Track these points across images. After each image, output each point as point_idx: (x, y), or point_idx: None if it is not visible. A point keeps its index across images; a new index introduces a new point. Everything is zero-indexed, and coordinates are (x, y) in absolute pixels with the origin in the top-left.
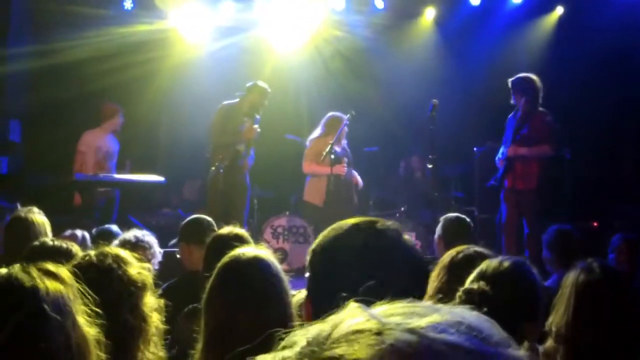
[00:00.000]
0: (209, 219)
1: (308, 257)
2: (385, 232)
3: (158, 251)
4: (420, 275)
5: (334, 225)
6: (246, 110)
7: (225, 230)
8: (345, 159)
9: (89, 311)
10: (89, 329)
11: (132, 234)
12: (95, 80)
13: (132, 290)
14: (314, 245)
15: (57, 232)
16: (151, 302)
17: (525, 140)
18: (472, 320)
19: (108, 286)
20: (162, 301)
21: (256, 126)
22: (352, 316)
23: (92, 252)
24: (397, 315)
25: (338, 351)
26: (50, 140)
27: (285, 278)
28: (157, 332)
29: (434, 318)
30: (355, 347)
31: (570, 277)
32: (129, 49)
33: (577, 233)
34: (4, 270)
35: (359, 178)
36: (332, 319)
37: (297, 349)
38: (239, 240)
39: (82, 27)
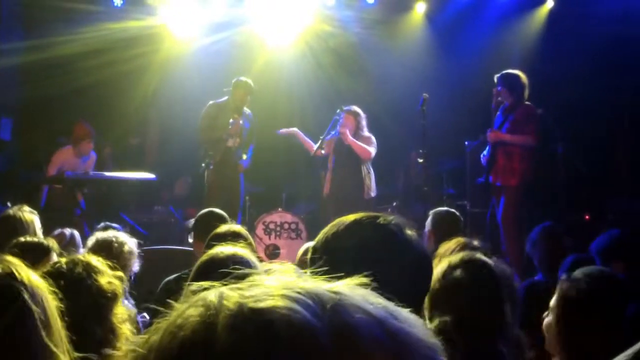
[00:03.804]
0: (221, 213)
1: (309, 255)
2: (387, 227)
3: (134, 251)
4: (423, 270)
5: (335, 221)
6: (233, 107)
7: (223, 228)
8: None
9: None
10: (53, 302)
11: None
12: (85, 76)
13: (101, 302)
14: (314, 242)
15: (48, 230)
16: (121, 313)
17: (508, 133)
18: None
19: (76, 296)
20: (133, 311)
21: (240, 121)
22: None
23: (63, 260)
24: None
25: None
26: (41, 137)
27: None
28: (127, 343)
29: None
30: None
31: (560, 289)
32: (119, 45)
33: (561, 231)
34: None
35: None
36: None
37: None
38: (238, 237)
39: (72, 23)
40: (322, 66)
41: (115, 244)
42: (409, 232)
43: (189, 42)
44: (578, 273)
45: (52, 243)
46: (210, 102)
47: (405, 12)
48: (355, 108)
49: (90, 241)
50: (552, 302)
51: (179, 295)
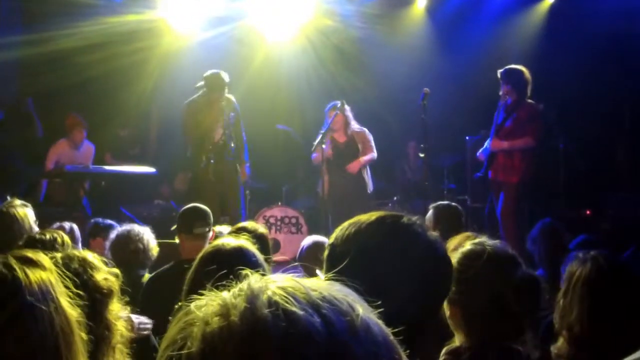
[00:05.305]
0: (205, 208)
1: (326, 251)
2: (411, 227)
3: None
4: (442, 272)
5: (355, 219)
6: (211, 100)
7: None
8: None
9: (70, 294)
10: (72, 311)
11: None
12: (85, 70)
13: (96, 297)
14: (332, 239)
15: (47, 224)
16: (116, 309)
17: (509, 132)
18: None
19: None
20: (128, 308)
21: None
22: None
23: (59, 255)
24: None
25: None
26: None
27: (269, 269)
28: (122, 340)
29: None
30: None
31: (578, 272)
32: (118, 39)
33: (561, 227)
34: None
35: (362, 160)
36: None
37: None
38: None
39: (71, 17)
40: (322, 61)
41: (145, 236)
42: (432, 233)
43: (188, 36)
44: (594, 258)
45: (65, 238)
46: (186, 101)
47: (405, 6)
48: (340, 104)
49: (115, 232)
50: (572, 292)
51: (165, 291)
